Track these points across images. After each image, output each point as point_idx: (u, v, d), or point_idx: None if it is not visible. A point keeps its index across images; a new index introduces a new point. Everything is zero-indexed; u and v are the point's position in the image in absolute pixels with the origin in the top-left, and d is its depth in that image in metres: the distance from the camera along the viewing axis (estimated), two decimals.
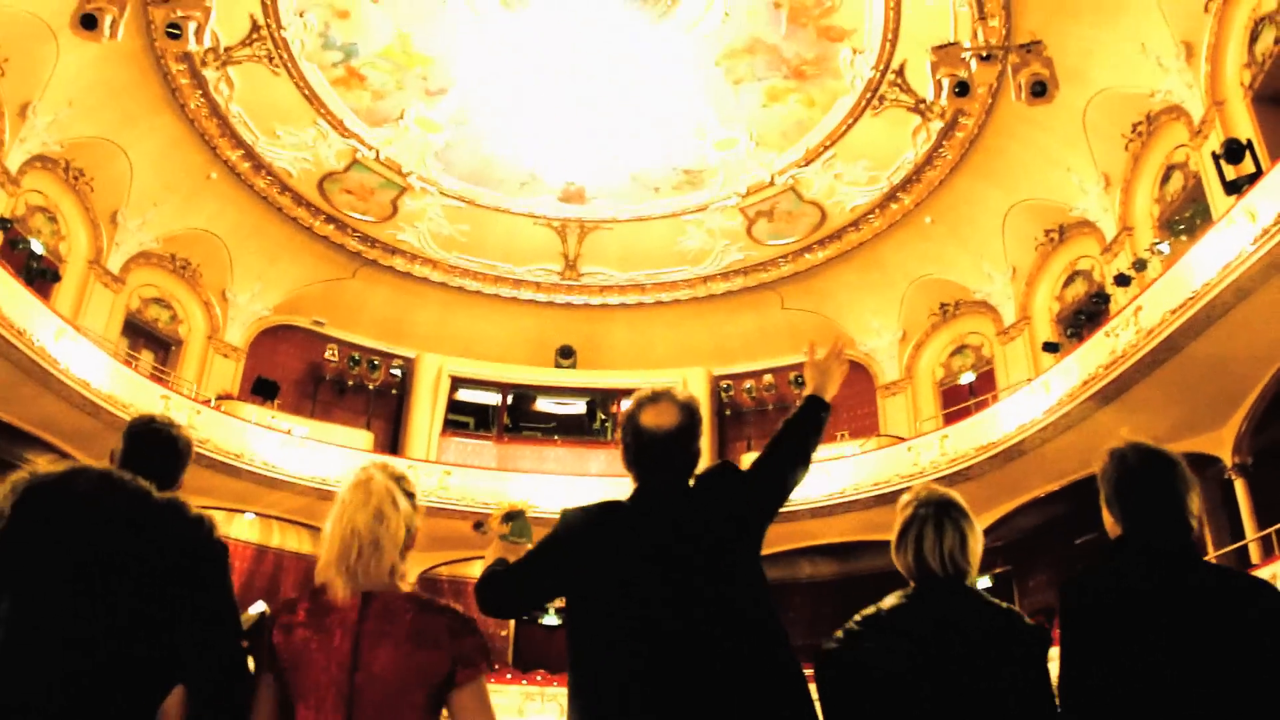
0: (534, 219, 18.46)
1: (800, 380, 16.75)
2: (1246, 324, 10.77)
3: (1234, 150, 11.51)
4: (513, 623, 18.48)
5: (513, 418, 21.11)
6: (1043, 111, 14.05)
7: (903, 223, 17.37)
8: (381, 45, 14.58)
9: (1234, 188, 11.30)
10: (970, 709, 2.09)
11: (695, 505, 2.35)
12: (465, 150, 16.74)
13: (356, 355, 19.67)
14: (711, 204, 17.78)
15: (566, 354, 20.84)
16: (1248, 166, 11.40)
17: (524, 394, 21.26)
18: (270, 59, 14.60)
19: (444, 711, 2.06)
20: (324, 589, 2.08)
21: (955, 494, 2.39)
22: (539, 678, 16.38)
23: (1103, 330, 13.08)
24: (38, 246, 14.70)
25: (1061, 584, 2.18)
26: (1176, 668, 1.96)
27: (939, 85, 14.07)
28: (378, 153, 16.65)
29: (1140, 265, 13.78)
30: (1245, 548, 11.64)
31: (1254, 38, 11.85)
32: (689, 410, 2.42)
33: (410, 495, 2.23)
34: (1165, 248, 13.34)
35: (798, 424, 2.48)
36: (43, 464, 2.35)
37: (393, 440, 19.76)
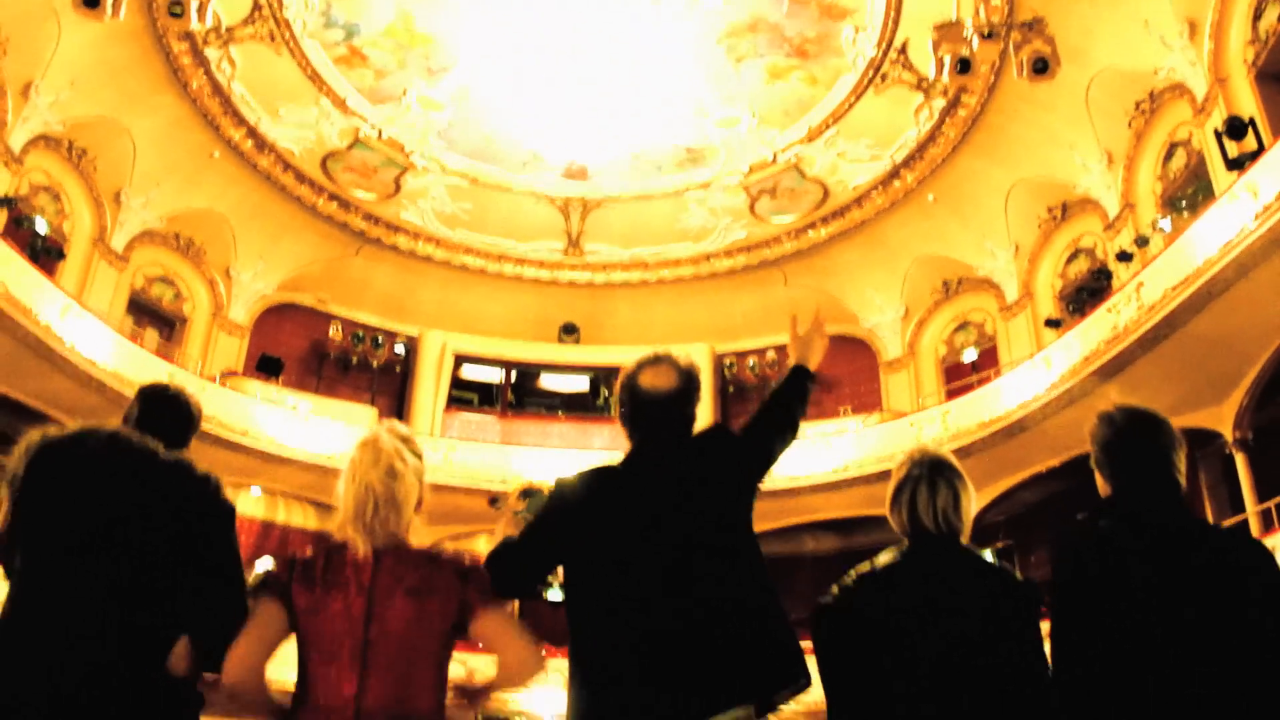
0: (536, 197, 18.42)
1: None
2: (1248, 300, 10.81)
3: (1236, 127, 11.51)
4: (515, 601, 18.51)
5: (516, 394, 21.16)
6: (1045, 89, 14.02)
7: (905, 200, 17.32)
8: (383, 24, 14.52)
9: (1236, 164, 11.30)
10: (962, 661, 2.14)
11: (690, 466, 2.37)
12: (467, 129, 16.69)
13: (360, 333, 19.71)
14: (714, 181, 17.73)
15: (570, 331, 20.86)
16: (1250, 143, 11.40)
17: (527, 371, 21.32)
18: (272, 38, 14.55)
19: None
20: (340, 545, 2.12)
21: (949, 454, 2.44)
22: (543, 653, 16.45)
23: (1104, 306, 13.11)
24: (42, 225, 14.70)
25: (1054, 543, 2.24)
26: (1166, 625, 1.99)
27: (941, 63, 14.02)
28: (380, 131, 16.63)
29: (1142, 242, 13.78)
30: (1245, 521, 11.73)
31: (1258, 14, 11.82)
32: (688, 374, 2.45)
33: (418, 455, 2.26)
34: (1167, 225, 13.33)
35: (784, 393, 2.53)
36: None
37: (397, 416, 19.37)
